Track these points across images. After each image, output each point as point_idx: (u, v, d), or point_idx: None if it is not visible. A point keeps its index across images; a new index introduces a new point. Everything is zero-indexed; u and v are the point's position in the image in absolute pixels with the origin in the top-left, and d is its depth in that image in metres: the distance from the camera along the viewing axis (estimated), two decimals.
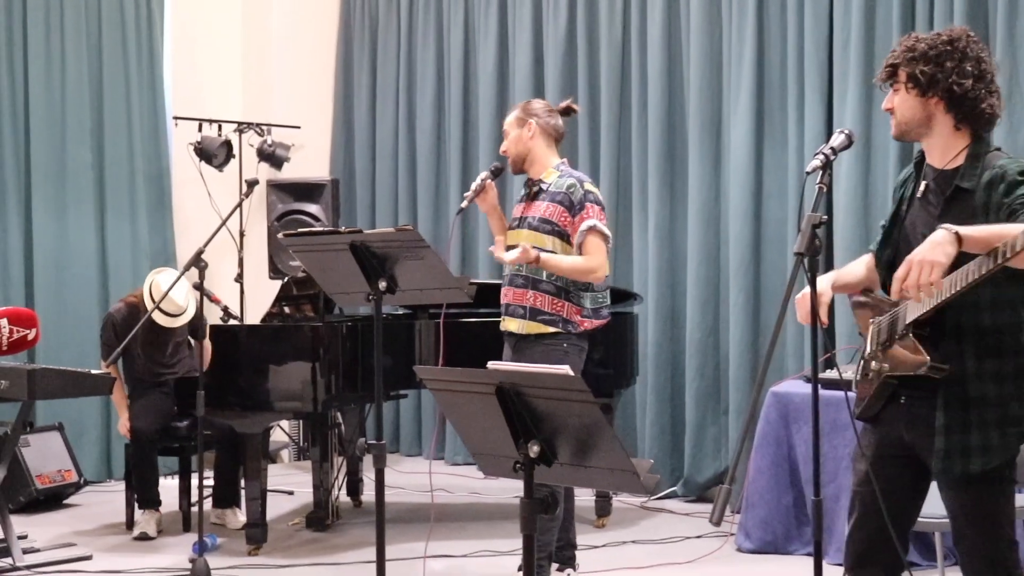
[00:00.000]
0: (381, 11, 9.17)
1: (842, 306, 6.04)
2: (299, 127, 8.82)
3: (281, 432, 8.75)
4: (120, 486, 7.06)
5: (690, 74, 7.44)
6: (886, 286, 3.39)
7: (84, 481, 7.60)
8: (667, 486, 7.43)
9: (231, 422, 6.32)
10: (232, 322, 7.12)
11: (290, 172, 8.48)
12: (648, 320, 7.52)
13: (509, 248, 5.24)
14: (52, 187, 8.10)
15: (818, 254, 3.23)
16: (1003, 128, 6.10)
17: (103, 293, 8.22)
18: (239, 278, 8.10)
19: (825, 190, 3.31)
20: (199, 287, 5.59)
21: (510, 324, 5.30)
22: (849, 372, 3.66)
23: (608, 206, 7.68)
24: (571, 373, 2.95)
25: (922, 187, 3.45)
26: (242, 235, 8.07)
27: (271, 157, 8.37)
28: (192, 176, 8.15)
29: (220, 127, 8.30)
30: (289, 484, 7.79)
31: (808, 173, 3.36)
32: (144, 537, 6.51)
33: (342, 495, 7.13)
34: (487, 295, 5.91)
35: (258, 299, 7.92)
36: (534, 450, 3.03)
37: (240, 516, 6.70)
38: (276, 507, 7.08)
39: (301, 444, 8.82)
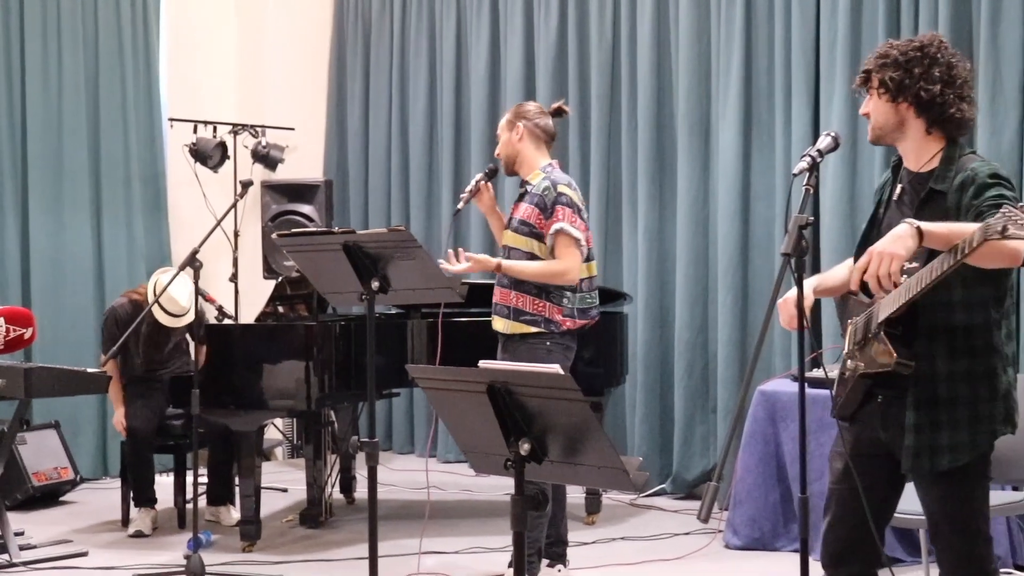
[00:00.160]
0: (374, 14, 9.22)
1: (829, 306, 6.09)
2: (293, 129, 8.85)
3: (275, 430, 8.78)
4: (116, 483, 7.10)
5: (679, 77, 7.49)
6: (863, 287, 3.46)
7: (80, 478, 7.64)
8: (656, 483, 7.48)
9: (226, 420, 6.34)
10: (227, 321, 7.16)
11: (284, 173, 8.50)
12: (638, 320, 7.58)
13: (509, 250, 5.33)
14: (48, 188, 8.14)
15: (804, 255, 3.26)
16: (987, 130, 6.17)
17: (99, 293, 8.26)
18: (234, 278, 8.12)
19: (812, 192, 3.35)
20: (195, 287, 5.64)
21: (497, 324, 5.38)
22: (835, 371, 3.70)
23: (598, 207, 7.80)
24: (562, 372, 2.97)
25: (898, 190, 3.51)
26: (237, 235, 8.09)
27: (265, 158, 8.39)
28: (187, 177, 8.19)
29: (215, 129, 8.32)
30: (283, 481, 7.83)
31: (795, 175, 3.40)
32: (139, 535, 6.55)
33: (335, 492, 7.16)
34: (486, 295, 5.94)
35: (252, 298, 7.94)
36: (525, 448, 3.05)
37: (234, 513, 6.72)
38: (270, 504, 7.13)
39: (295, 442, 8.85)
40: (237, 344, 6.46)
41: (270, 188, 8.08)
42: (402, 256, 4.62)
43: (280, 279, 7.08)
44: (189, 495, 6.36)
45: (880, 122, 3.48)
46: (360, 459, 5.79)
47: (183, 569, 5.63)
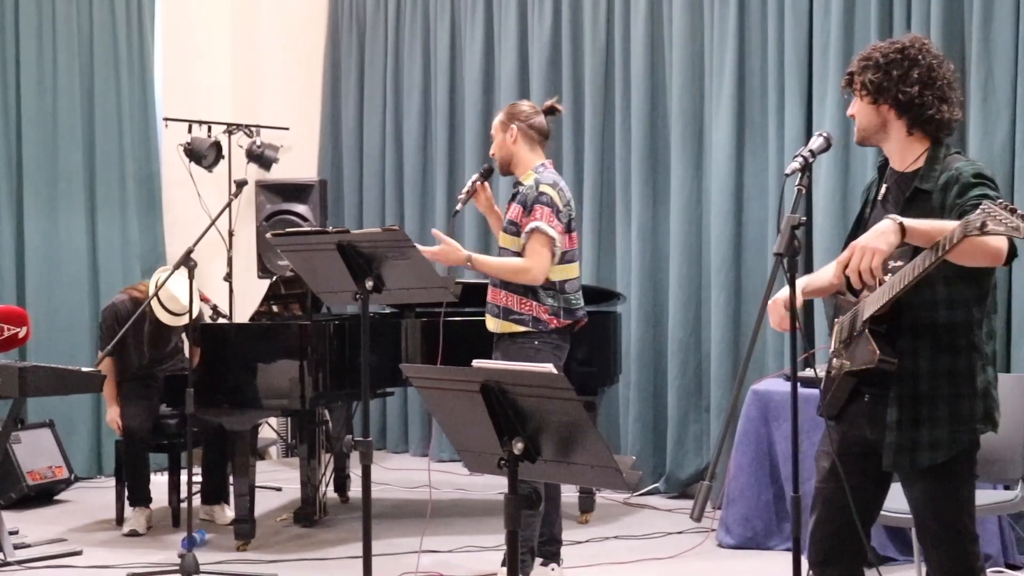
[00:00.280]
0: (369, 14, 9.23)
1: (821, 305, 6.11)
2: (287, 128, 8.87)
3: (269, 429, 8.80)
4: (110, 482, 7.10)
5: (673, 77, 7.51)
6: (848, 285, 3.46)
7: (74, 477, 7.65)
8: (649, 482, 7.50)
9: (220, 419, 6.35)
10: (221, 320, 7.18)
11: (278, 173, 8.52)
12: (631, 319, 7.60)
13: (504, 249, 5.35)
14: (43, 187, 8.14)
15: (797, 255, 3.28)
16: (979, 131, 6.20)
17: (93, 292, 8.26)
18: (228, 277, 8.13)
19: (804, 192, 3.36)
20: (190, 286, 5.65)
21: (489, 323, 5.39)
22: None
23: (592, 207, 7.82)
24: (555, 371, 2.99)
25: (883, 190, 3.53)
26: (231, 235, 8.10)
27: (260, 158, 8.41)
28: (182, 177, 8.20)
29: (210, 128, 8.34)
30: (277, 480, 7.84)
31: (787, 175, 3.42)
32: (134, 534, 6.57)
33: (329, 491, 7.17)
34: (482, 295, 5.94)
35: (247, 298, 7.95)
36: (518, 447, 3.06)
37: (228, 512, 6.74)
38: (264, 503, 7.13)
39: (289, 441, 8.86)
40: (231, 343, 6.48)
41: (264, 188, 8.09)
42: (396, 256, 4.63)
43: (274, 278, 7.10)
44: (183, 494, 6.36)
45: (863, 123, 3.51)
46: (354, 458, 5.81)
47: (177, 568, 5.63)
